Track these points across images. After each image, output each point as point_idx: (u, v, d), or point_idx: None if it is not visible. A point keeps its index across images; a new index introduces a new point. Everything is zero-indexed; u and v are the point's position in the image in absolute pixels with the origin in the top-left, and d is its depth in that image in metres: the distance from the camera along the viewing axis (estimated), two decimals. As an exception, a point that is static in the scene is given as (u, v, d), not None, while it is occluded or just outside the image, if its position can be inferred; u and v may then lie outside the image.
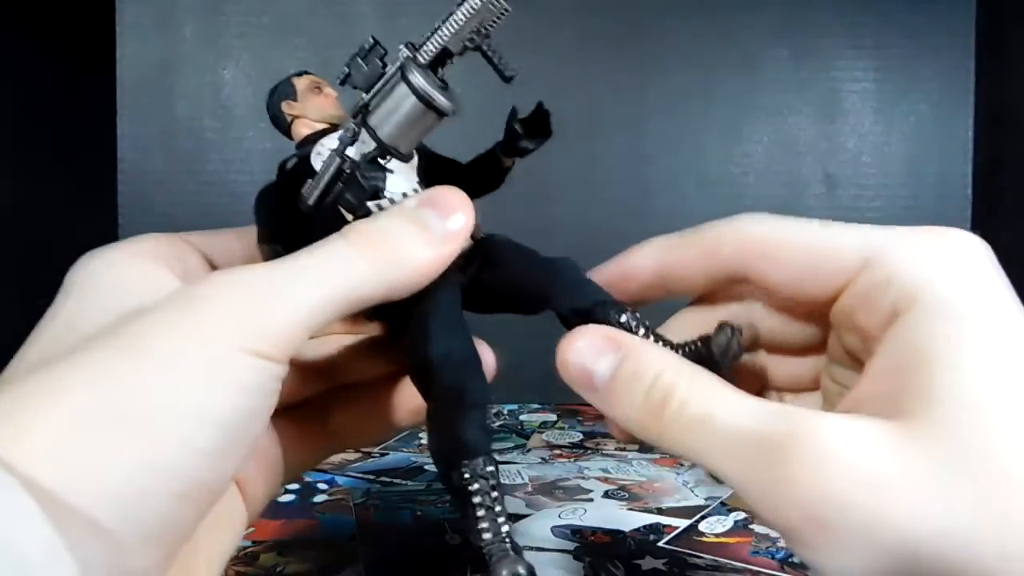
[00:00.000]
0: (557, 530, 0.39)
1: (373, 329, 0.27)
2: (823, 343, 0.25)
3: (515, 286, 0.25)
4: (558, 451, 0.54)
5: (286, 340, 0.19)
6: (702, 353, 0.23)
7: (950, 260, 0.20)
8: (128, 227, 0.67)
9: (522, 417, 0.62)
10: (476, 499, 0.21)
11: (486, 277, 0.25)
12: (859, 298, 0.22)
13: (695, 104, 0.70)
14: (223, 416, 0.18)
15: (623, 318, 0.23)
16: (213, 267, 0.25)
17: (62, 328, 0.21)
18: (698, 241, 0.24)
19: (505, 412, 0.64)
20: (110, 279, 0.22)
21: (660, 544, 0.37)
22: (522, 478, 0.47)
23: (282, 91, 0.27)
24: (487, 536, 0.20)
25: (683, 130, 0.70)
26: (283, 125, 0.26)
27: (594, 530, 0.39)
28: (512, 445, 0.55)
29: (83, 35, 0.65)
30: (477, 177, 0.25)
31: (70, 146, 0.62)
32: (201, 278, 0.20)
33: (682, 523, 0.40)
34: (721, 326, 0.23)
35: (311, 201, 0.23)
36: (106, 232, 0.66)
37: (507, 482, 0.46)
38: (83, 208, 0.64)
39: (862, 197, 0.71)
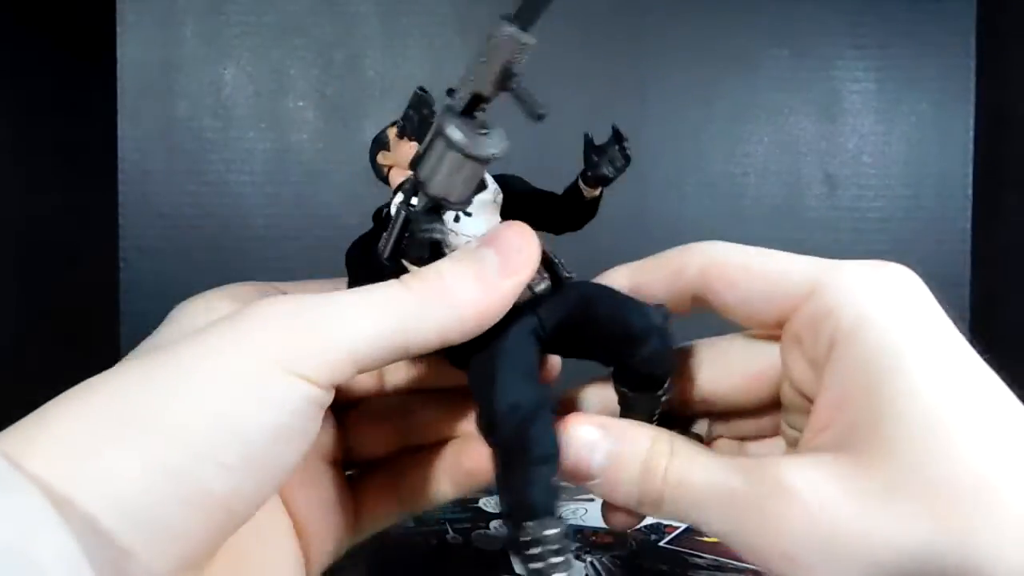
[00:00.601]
0: (557, 530, 0.38)
1: (450, 379, 0.26)
2: (776, 405, 0.26)
3: (594, 341, 0.24)
4: (558, 451, 0.53)
5: (326, 364, 0.19)
6: None
7: (887, 292, 0.21)
8: (128, 227, 0.67)
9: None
10: (534, 564, 0.21)
11: (563, 323, 0.24)
12: (805, 326, 0.23)
13: (695, 104, 0.70)
14: (250, 432, 0.17)
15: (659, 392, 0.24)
16: None
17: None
18: (665, 264, 0.25)
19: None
20: (190, 314, 0.22)
21: (661, 544, 0.37)
22: (522, 478, 0.47)
23: (378, 142, 0.26)
24: None
25: (683, 130, 0.70)
26: (382, 175, 0.26)
27: (595, 530, 0.39)
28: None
29: (83, 35, 0.65)
30: (565, 210, 0.25)
31: (70, 146, 0.62)
32: (251, 303, 0.19)
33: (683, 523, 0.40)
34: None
35: (386, 255, 0.22)
36: (106, 232, 0.66)
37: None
38: (83, 208, 0.64)
39: (862, 197, 0.71)
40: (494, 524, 0.39)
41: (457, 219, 0.23)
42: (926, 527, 0.18)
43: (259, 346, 0.18)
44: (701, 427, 0.28)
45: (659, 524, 0.39)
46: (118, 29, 0.67)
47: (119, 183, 0.67)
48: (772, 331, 0.24)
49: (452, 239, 0.23)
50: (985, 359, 0.20)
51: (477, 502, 0.42)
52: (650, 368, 0.24)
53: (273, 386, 0.18)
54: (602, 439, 0.22)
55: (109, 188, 0.67)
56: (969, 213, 0.70)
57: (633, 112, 0.70)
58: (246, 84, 0.68)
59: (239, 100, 0.68)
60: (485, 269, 0.21)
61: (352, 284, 0.24)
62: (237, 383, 0.17)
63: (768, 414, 0.26)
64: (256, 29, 0.68)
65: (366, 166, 0.26)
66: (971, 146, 0.70)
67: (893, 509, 0.18)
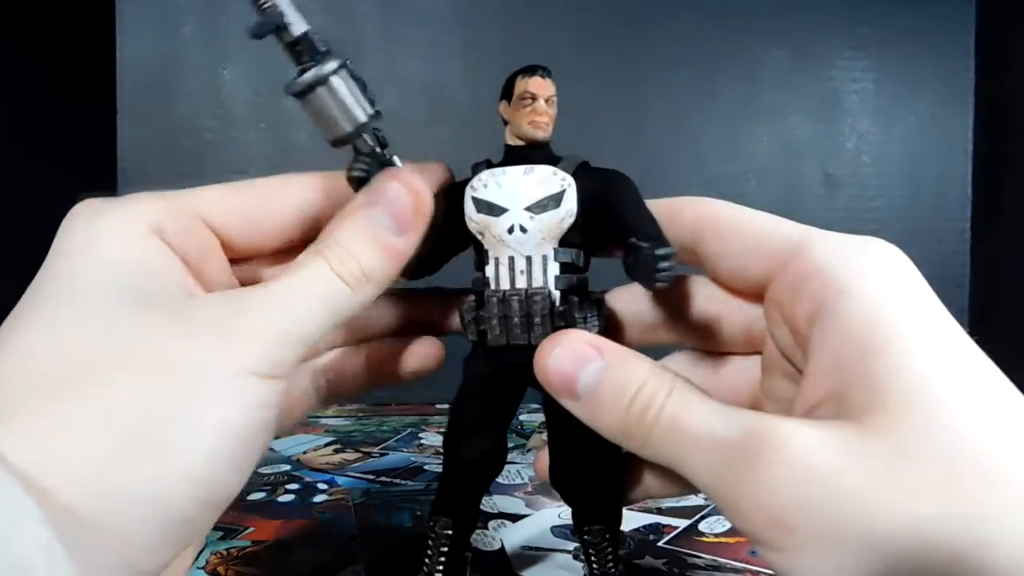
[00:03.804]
0: (557, 530, 0.39)
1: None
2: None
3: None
4: (558, 451, 0.53)
5: (288, 361, 0.21)
6: None
7: (875, 263, 0.21)
8: (128, 227, 0.67)
9: (522, 417, 0.62)
10: (428, 551, 0.26)
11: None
12: (789, 286, 0.22)
13: (695, 104, 0.70)
14: (242, 430, 0.20)
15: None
16: (208, 226, 0.27)
17: (63, 287, 0.22)
18: (662, 208, 0.26)
19: (505, 412, 0.63)
20: (112, 250, 0.22)
21: (660, 544, 0.37)
22: (522, 478, 0.47)
23: (504, 87, 0.26)
24: None
25: (683, 130, 0.70)
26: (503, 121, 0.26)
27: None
28: (512, 445, 0.55)
29: (83, 35, 0.65)
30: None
31: (70, 146, 0.62)
32: (204, 300, 0.22)
33: (682, 523, 0.40)
34: None
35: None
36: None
37: (507, 482, 0.46)
38: (83, 208, 0.64)
39: (862, 197, 0.71)
40: (493, 524, 0.39)
41: (511, 231, 0.24)
42: (932, 500, 0.17)
43: (238, 359, 0.20)
44: None
45: (658, 524, 0.39)
46: (117, 29, 0.67)
47: (119, 183, 0.67)
48: (756, 291, 0.24)
49: (503, 248, 0.25)
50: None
51: (476, 502, 0.42)
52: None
53: (256, 390, 0.20)
54: (595, 358, 0.22)
55: (109, 188, 0.67)
56: (969, 213, 0.71)
57: (633, 112, 0.70)
58: (245, 84, 0.68)
59: (239, 100, 0.68)
60: (382, 233, 0.23)
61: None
62: (230, 393, 0.20)
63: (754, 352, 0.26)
64: (256, 29, 0.68)
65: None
66: (970, 146, 0.71)
67: (897, 481, 0.17)
